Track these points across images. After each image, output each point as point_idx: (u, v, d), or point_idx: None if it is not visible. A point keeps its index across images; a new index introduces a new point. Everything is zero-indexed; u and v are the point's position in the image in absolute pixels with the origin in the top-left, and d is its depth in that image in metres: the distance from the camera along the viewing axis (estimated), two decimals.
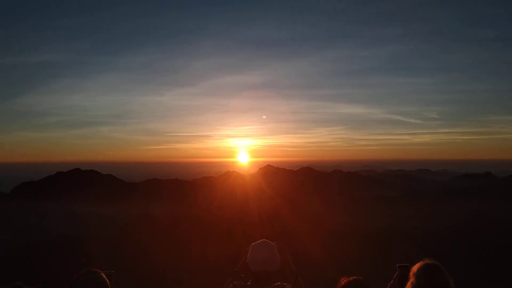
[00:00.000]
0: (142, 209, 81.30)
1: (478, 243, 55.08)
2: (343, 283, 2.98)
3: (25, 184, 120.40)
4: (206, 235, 56.05)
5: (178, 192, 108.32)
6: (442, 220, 71.83)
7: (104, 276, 3.02)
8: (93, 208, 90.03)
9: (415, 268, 2.79)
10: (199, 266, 46.85)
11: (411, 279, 2.76)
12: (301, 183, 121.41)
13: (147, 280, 41.48)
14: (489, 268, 45.88)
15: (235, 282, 3.18)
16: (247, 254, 3.46)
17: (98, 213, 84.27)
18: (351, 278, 2.83)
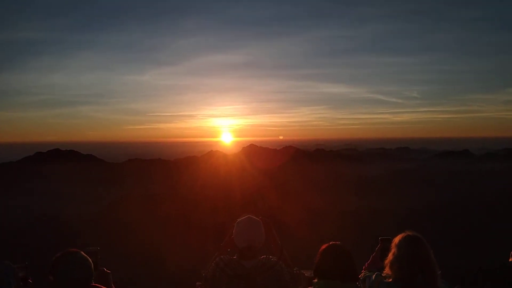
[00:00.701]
0: (125, 189, 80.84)
1: (455, 219, 56.96)
2: (321, 249, 3.11)
3: (4, 165, 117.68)
4: (189, 213, 56.37)
5: (161, 172, 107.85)
6: (420, 197, 73.77)
7: (85, 255, 2.96)
8: (74, 188, 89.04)
9: (396, 239, 2.87)
10: (182, 244, 47.24)
11: (393, 250, 2.83)
12: (284, 162, 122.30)
13: (131, 258, 41.63)
14: (465, 243, 47.58)
15: (222, 256, 3.20)
16: (232, 230, 3.46)
17: (79, 193, 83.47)
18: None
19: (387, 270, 2.84)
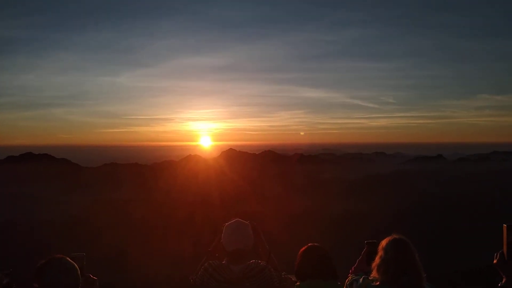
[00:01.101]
0: (99, 194, 79.24)
1: (431, 221, 58.31)
2: (300, 251, 3.18)
3: None
4: (167, 219, 55.69)
5: (138, 177, 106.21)
6: (397, 201, 75.17)
7: (71, 261, 2.80)
8: (47, 193, 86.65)
9: (383, 242, 2.88)
10: (159, 249, 46.61)
11: (380, 253, 2.85)
12: (262, 167, 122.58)
13: (105, 264, 40.67)
14: (442, 245, 48.70)
15: (210, 261, 3.14)
16: (221, 234, 3.42)
17: (52, 198, 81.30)
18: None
19: (374, 273, 2.84)
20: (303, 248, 3.19)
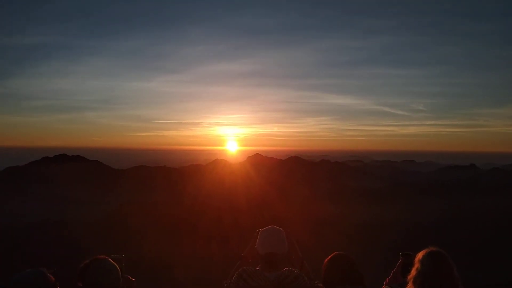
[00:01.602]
0: (130, 196, 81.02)
1: (461, 234, 56.42)
2: (326, 260, 3.19)
3: (11, 169, 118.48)
4: (195, 223, 56.22)
5: (166, 180, 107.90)
6: (426, 211, 73.15)
7: (113, 262, 2.99)
8: (79, 194, 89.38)
9: (420, 254, 2.89)
10: (188, 253, 47.11)
11: (416, 265, 2.85)
12: (289, 172, 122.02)
13: (137, 266, 41.57)
14: (473, 259, 47.09)
15: (245, 267, 3.21)
16: (255, 239, 3.52)
17: (84, 199, 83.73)
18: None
19: (410, 286, 2.85)
20: (330, 257, 3.21)
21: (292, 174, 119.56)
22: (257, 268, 3.22)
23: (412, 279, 2.84)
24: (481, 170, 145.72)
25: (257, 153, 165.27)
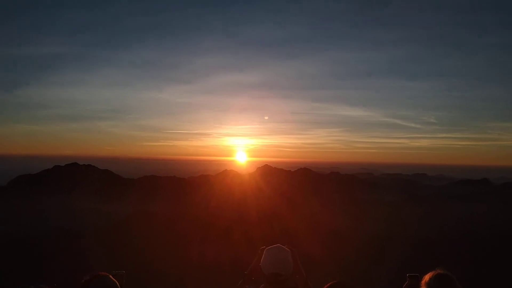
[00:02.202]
0: (139, 205, 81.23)
1: (473, 248, 55.35)
2: (427, 278, 2.98)
3: (22, 177, 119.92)
4: (204, 234, 56.01)
5: (176, 190, 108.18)
6: (437, 224, 72.03)
7: (114, 280, 2.98)
8: (90, 203, 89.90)
9: (427, 277, 2.81)
10: (197, 265, 46.86)
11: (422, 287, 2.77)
12: (299, 184, 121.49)
13: (145, 277, 41.47)
14: (484, 273, 46.09)
15: (247, 286, 3.23)
16: (259, 257, 3.51)
17: (95, 208, 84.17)
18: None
19: None
20: (328, 284, 3.06)
21: (301, 185, 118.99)
22: (261, 287, 3.23)
23: None
24: (494, 185, 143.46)
25: (266, 164, 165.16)
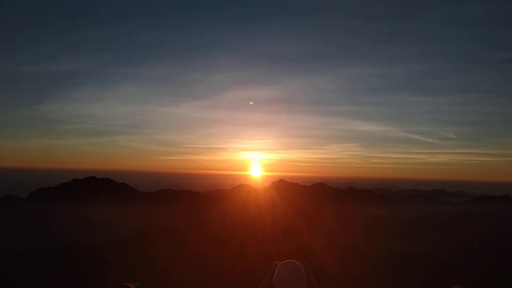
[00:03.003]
0: (155, 219, 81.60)
1: (497, 267, 53.55)
2: None
3: (42, 189, 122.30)
4: (220, 249, 55.73)
5: (191, 204, 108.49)
6: (457, 243, 70.07)
7: None
8: (107, 215, 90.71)
9: None
10: (213, 280, 46.55)
11: None
12: (314, 199, 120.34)
13: None
14: None
15: None
16: (273, 272, 3.49)
17: (112, 221, 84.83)
18: None
19: None
20: None
21: (317, 201, 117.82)
22: None
23: None
24: None
25: (281, 179, 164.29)
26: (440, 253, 60.21)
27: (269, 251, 47.90)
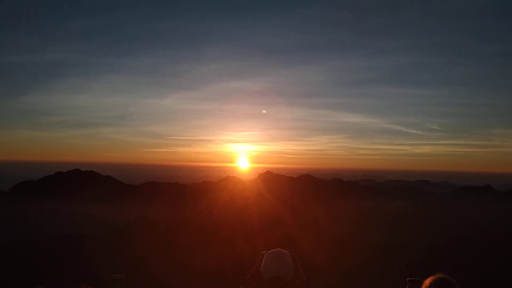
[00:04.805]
0: (140, 211, 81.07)
1: (477, 256, 54.87)
2: (428, 283, 2.82)
3: (25, 183, 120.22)
4: (207, 242, 55.80)
5: (177, 196, 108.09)
6: (442, 232, 71.61)
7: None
8: (92, 209, 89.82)
9: (427, 281, 2.73)
10: (200, 274, 46.58)
11: None
12: (301, 190, 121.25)
13: (146, 284, 41.19)
14: (489, 280, 45.60)
15: None
16: (260, 262, 3.45)
17: (96, 214, 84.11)
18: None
19: None
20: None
21: (303, 192, 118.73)
22: None
23: None
24: (498, 192, 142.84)
25: (268, 171, 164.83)
26: (425, 242, 61.37)
27: (257, 243, 48.05)
